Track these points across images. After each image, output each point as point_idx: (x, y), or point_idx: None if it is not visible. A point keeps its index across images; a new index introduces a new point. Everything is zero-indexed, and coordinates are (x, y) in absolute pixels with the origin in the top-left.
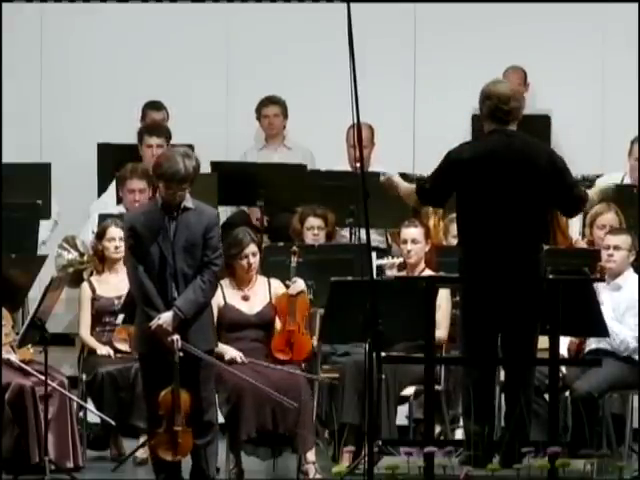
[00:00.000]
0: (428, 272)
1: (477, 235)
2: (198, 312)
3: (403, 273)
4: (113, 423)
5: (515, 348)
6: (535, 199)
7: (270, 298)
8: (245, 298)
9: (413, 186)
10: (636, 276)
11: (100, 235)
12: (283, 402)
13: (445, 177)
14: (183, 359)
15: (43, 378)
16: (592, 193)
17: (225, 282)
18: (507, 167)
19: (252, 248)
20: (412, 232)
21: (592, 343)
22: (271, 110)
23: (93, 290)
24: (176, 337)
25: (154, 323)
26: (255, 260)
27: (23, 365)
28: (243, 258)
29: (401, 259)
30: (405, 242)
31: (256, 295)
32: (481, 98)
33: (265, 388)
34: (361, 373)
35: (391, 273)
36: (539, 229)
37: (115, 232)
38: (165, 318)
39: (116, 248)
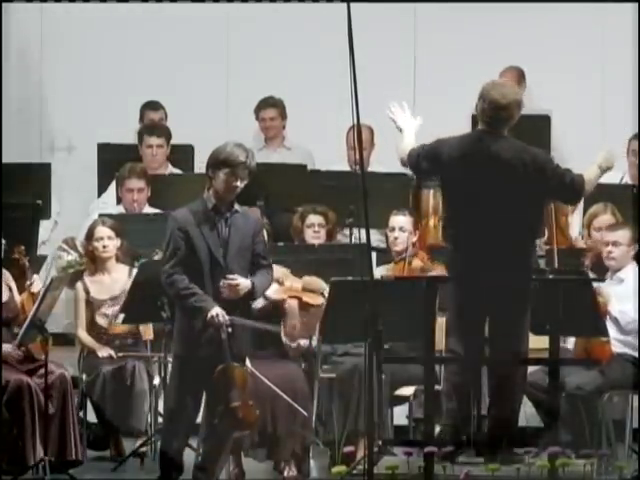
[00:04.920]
0: (417, 262)
1: (460, 237)
2: (255, 298)
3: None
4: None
5: (502, 347)
6: (513, 200)
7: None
8: None
9: None
10: None
11: (89, 235)
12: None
13: (425, 162)
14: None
15: (43, 371)
16: (591, 170)
17: None
18: (477, 169)
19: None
20: (400, 220)
21: None
22: (268, 113)
23: (87, 292)
24: (228, 319)
25: (213, 312)
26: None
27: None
28: None
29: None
30: (392, 230)
31: None
32: (478, 96)
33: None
34: (359, 374)
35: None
36: (522, 230)
37: (103, 231)
38: (243, 282)
39: (104, 247)
